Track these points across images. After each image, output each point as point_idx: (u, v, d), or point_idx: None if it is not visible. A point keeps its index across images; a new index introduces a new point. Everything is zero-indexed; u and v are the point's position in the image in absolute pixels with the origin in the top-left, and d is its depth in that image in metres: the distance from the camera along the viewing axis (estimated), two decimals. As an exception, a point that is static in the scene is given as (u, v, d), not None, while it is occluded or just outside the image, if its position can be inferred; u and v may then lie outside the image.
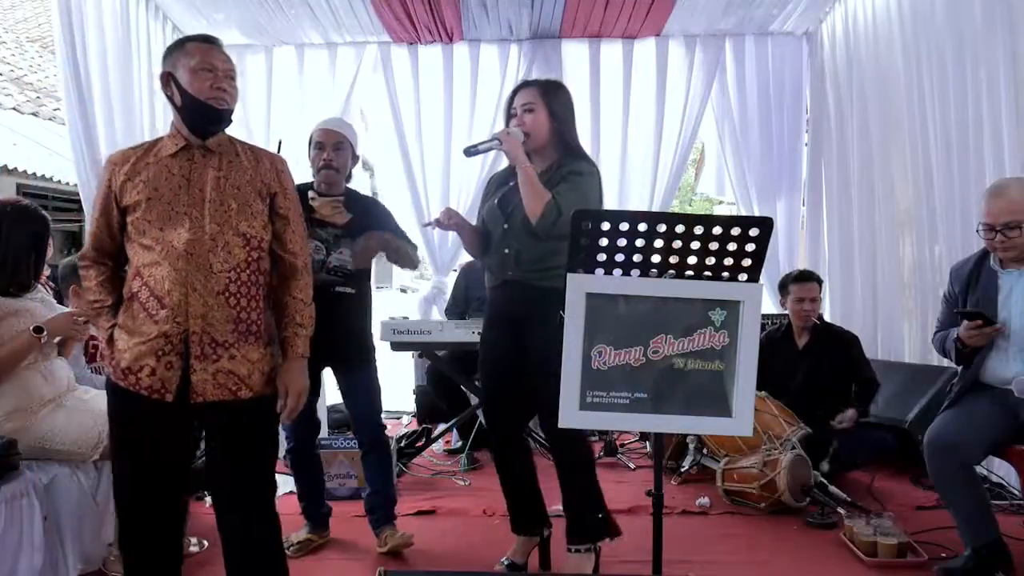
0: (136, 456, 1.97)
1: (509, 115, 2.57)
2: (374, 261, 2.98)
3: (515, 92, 2.59)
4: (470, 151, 2.52)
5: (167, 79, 1.98)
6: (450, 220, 2.59)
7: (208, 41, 2.01)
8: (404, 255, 2.93)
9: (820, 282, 3.97)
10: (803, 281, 3.90)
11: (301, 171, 5.20)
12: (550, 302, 2.33)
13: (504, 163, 2.67)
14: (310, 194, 2.85)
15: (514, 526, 2.68)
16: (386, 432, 3.05)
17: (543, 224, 2.37)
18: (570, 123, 2.57)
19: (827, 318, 4.14)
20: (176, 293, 1.91)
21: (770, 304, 4.85)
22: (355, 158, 2.93)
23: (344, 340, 2.80)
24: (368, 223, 2.84)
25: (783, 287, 4.00)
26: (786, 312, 4.06)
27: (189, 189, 1.96)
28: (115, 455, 2.04)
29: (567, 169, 2.47)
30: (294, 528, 2.99)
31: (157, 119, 4.95)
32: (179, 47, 2.00)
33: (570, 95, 2.62)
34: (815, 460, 3.46)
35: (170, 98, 2.00)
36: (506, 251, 2.52)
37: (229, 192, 1.98)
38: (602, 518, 2.53)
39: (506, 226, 2.53)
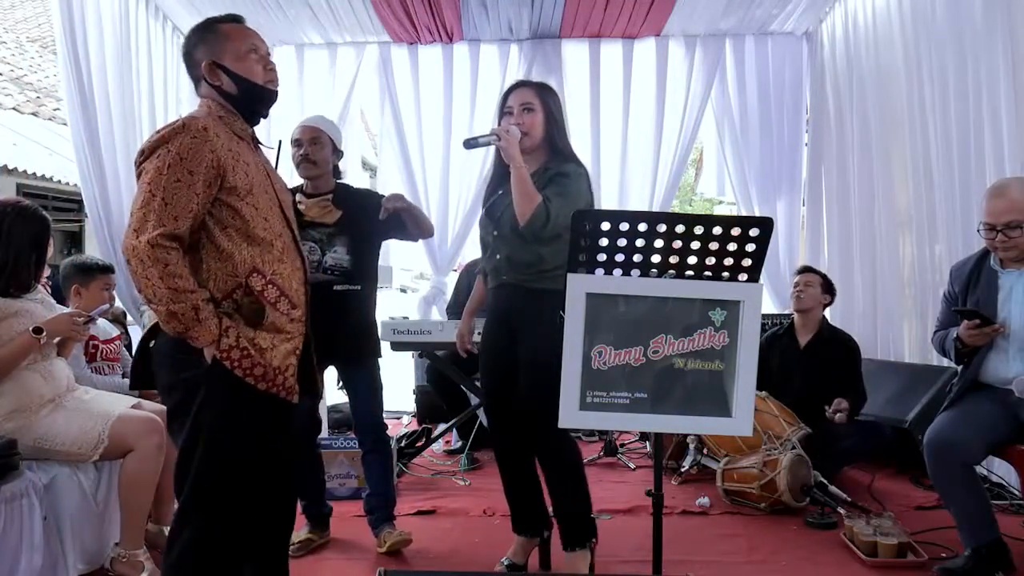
0: (271, 464, 1.89)
1: (503, 113, 2.58)
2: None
3: (510, 91, 2.60)
4: (469, 143, 2.53)
5: (213, 68, 1.84)
6: (463, 341, 2.81)
7: (239, 20, 1.91)
8: (418, 217, 2.93)
9: (824, 278, 3.98)
10: (803, 272, 4.05)
11: (301, 171, 5.20)
12: (544, 303, 2.37)
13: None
14: (298, 198, 2.85)
15: (515, 526, 2.68)
16: (387, 432, 3.05)
17: (531, 227, 2.36)
18: (562, 126, 2.59)
19: (827, 318, 4.14)
20: (302, 293, 1.91)
21: (770, 304, 4.86)
22: (337, 152, 2.94)
23: (346, 338, 2.81)
24: (362, 216, 2.84)
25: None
26: (786, 313, 4.08)
27: (271, 183, 1.92)
28: (245, 468, 1.82)
29: (554, 171, 2.47)
30: (294, 528, 2.98)
31: (157, 118, 4.95)
32: (211, 31, 1.87)
33: (558, 98, 2.66)
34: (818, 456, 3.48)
35: (218, 88, 1.86)
36: (498, 256, 2.55)
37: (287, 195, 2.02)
38: (593, 518, 2.57)
39: (496, 232, 2.56)
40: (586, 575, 2.49)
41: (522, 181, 2.37)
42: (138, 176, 1.75)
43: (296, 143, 2.87)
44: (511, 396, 2.55)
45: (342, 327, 2.78)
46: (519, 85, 2.62)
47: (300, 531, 2.96)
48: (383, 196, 3.12)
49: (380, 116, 5.67)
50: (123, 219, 4.33)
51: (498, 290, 2.59)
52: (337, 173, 2.94)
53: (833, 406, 3.62)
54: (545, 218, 2.34)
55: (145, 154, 1.75)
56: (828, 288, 3.97)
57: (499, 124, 2.55)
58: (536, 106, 2.52)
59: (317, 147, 2.84)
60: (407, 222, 2.86)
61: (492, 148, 2.54)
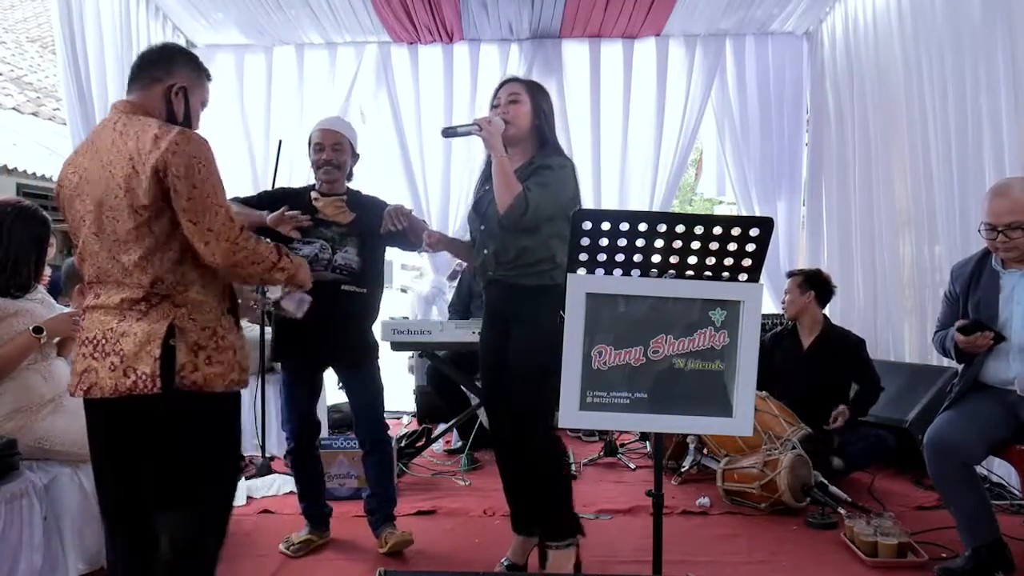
0: None
1: (492, 108, 2.59)
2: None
3: (500, 86, 2.61)
4: (448, 132, 2.53)
5: (182, 93, 1.92)
6: (431, 239, 2.67)
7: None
8: (419, 229, 2.91)
9: (804, 275, 3.96)
10: (787, 279, 4.05)
11: (301, 172, 5.19)
12: (533, 301, 2.39)
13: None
14: (312, 195, 2.87)
15: (514, 524, 2.68)
16: (388, 432, 3.04)
17: (510, 216, 2.37)
18: (551, 122, 2.59)
19: (829, 317, 4.14)
20: None
21: (770, 304, 4.86)
22: (355, 156, 2.95)
23: (347, 339, 2.81)
24: (372, 221, 2.85)
25: None
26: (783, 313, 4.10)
27: None
28: None
29: (538, 163, 2.48)
30: (295, 528, 2.99)
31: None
32: (201, 70, 1.99)
33: (550, 98, 2.66)
34: (822, 459, 3.49)
35: (171, 108, 1.91)
36: (485, 251, 2.55)
37: None
38: (575, 514, 2.56)
39: (482, 227, 2.57)
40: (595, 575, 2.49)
41: (503, 170, 2.38)
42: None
43: (318, 147, 2.86)
44: (506, 393, 2.55)
45: (344, 328, 2.78)
46: (508, 80, 2.63)
47: (300, 531, 2.96)
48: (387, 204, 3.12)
49: (380, 116, 5.67)
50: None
51: (489, 287, 2.61)
52: (349, 175, 2.95)
53: (833, 414, 3.61)
54: (524, 207, 2.35)
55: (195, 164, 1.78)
56: (811, 284, 3.89)
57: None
58: (523, 98, 2.53)
59: (339, 152, 2.86)
60: (408, 234, 2.87)
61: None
